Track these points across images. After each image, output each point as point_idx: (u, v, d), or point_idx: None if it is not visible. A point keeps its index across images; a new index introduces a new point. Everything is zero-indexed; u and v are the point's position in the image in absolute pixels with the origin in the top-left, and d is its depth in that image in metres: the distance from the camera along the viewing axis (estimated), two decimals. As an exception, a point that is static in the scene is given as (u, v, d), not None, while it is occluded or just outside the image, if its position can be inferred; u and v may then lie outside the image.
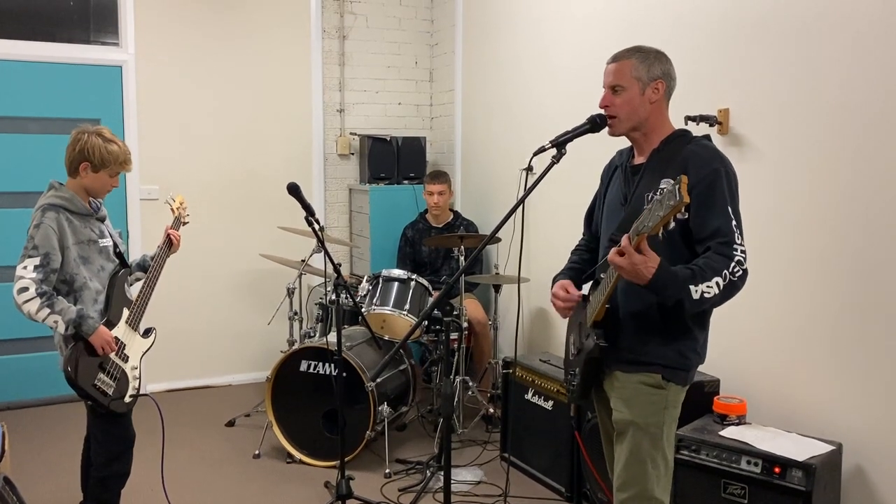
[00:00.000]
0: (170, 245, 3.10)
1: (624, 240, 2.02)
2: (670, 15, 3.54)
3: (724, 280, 2.07)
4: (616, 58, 2.29)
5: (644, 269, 2.01)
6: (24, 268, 2.69)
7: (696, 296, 2.05)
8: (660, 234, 1.93)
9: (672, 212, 1.86)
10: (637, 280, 2.04)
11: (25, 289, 2.67)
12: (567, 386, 2.49)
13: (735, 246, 2.10)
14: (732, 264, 2.09)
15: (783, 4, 3.00)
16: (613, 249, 2.04)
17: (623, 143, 2.39)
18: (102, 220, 2.98)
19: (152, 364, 3.07)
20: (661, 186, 2.14)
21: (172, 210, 3.26)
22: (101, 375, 2.79)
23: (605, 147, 2.55)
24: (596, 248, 2.49)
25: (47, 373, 4.80)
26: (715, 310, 2.25)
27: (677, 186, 1.83)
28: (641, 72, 2.24)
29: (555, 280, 2.51)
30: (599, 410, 2.49)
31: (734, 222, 2.13)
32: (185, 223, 3.25)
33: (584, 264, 2.52)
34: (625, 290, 2.24)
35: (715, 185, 2.14)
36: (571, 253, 2.60)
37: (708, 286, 2.06)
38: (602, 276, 2.24)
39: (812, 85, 2.90)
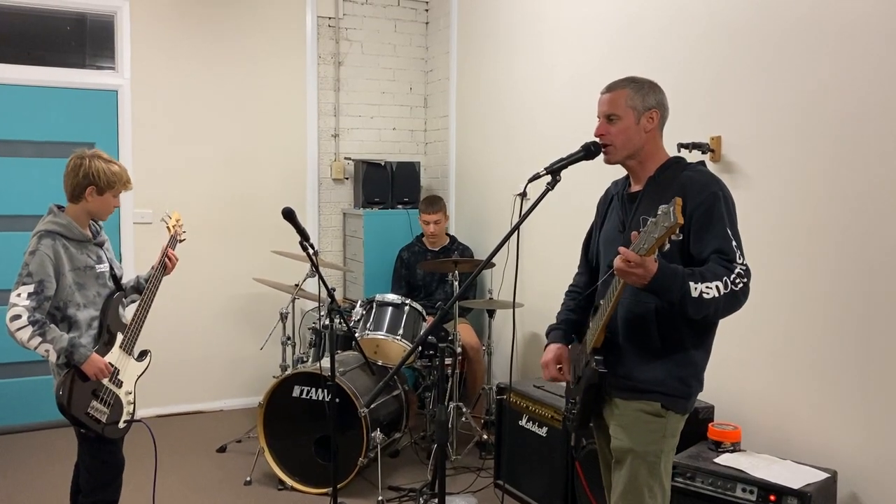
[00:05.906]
0: (164, 267, 3.08)
1: (622, 249, 2.01)
2: (665, 42, 3.59)
3: (725, 287, 2.05)
4: (610, 88, 2.32)
5: (645, 272, 2.00)
6: (18, 295, 2.67)
7: (694, 293, 2.03)
8: (654, 256, 1.94)
9: (667, 233, 1.87)
10: (641, 281, 2.02)
11: (18, 316, 2.64)
12: (567, 415, 2.48)
13: (736, 262, 2.10)
14: (733, 275, 2.07)
15: (776, 34, 3.04)
16: (618, 258, 2.02)
17: (617, 171, 2.41)
18: (101, 244, 2.96)
19: (143, 389, 3.05)
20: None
21: (168, 228, 3.23)
22: (95, 403, 2.76)
23: (599, 174, 2.57)
24: (591, 285, 2.49)
25: (38, 397, 4.77)
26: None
27: (672, 208, 1.84)
28: (636, 101, 2.26)
29: (549, 332, 2.49)
30: (598, 438, 2.48)
31: (734, 243, 2.13)
32: (181, 241, 3.23)
33: (580, 313, 2.47)
34: (624, 317, 2.24)
35: (713, 208, 2.16)
36: (566, 295, 2.58)
37: (707, 286, 2.04)
38: (601, 302, 2.25)
39: (804, 113, 2.93)
